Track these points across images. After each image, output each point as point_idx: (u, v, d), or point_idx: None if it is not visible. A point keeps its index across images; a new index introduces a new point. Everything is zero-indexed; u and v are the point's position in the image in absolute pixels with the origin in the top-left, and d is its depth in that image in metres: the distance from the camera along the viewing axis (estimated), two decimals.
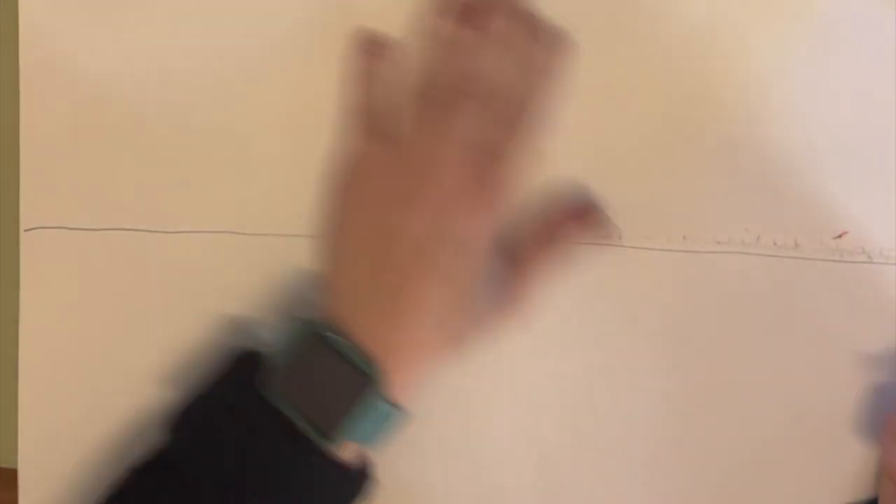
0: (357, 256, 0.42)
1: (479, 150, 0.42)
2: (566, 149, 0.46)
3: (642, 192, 0.47)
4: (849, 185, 0.46)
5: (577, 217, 0.45)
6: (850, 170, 0.46)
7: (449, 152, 0.42)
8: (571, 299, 0.47)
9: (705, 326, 0.47)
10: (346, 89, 0.46)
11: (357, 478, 0.42)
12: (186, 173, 0.47)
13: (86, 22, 0.47)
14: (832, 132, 0.46)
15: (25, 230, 0.47)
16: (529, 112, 0.44)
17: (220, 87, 0.47)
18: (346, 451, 0.41)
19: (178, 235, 0.47)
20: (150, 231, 0.47)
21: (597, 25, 0.46)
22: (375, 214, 0.42)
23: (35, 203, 0.47)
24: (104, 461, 0.48)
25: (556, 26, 0.44)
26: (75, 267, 0.47)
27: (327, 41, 0.47)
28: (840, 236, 0.46)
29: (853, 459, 0.47)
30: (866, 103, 0.46)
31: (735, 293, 0.47)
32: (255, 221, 0.47)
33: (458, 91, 0.42)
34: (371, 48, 0.45)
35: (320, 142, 0.47)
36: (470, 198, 0.41)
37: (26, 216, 0.47)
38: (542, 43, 0.44)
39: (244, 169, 0.47)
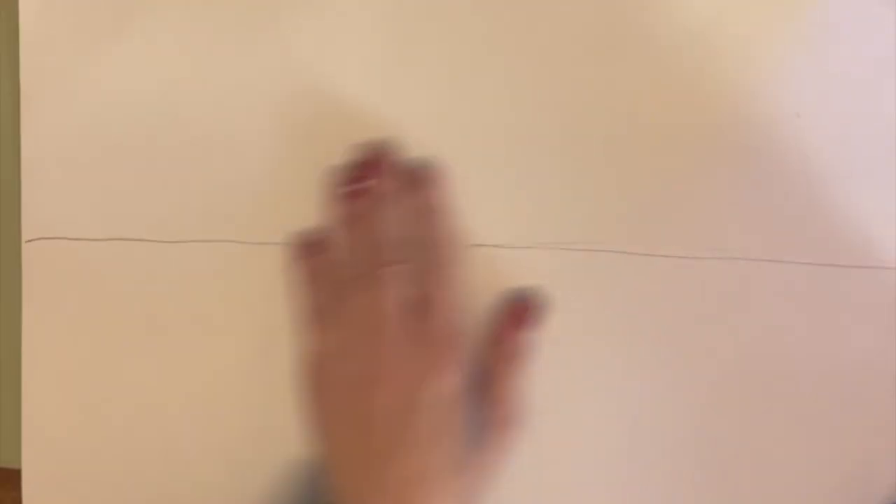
0: (344, 450, 0.43)
1: (417, 308, 0.43)
2: (568, 155, 0.46)
3: (643, 197, 0.47)
4: (851, 187, 0.46)
5: (518, 321, 0.46)
6: (852, 172, 0.46)
7: (390, 323, 0.42)
8: (573, 306, 0.47)
9: (708, 333, 0.47)
10: (293, 294, 0.47)
11: None
12: (188, 182, 0.47)
13: (86, 32, 0.47)
14: (833, 135, 0.46)
15: (27, 241, 0.47)
16: (445, 253, 0.45)
17: (221, 95, 0.47)
18: None
19: (179, 245, 0.47)
20: (152, 241, 0.47)
21: (599, 30, 0.46)
22: (346, 405, 0.43)
23: (36, 214, 0.47)
24: (106, 462, 0.49)
25: (424, 163, 0.46)
26: (77, 277, 0.48)
27: (326, 49, 0.46)
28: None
29: (858, 463, 0.47)
30: (867, 105, 0.46)
31: (738, 299, 0.47)
32: (258, 230, 0.48)
33: (374, 262, 0.44)
34: (306, 249, 0.47)
35: (322, 150, 0.47)
36: (427, 358, 0.42)
37: (27, 227, 0.47)
38: (424, 185, 0.46)
39: (246, 178, 0.47)
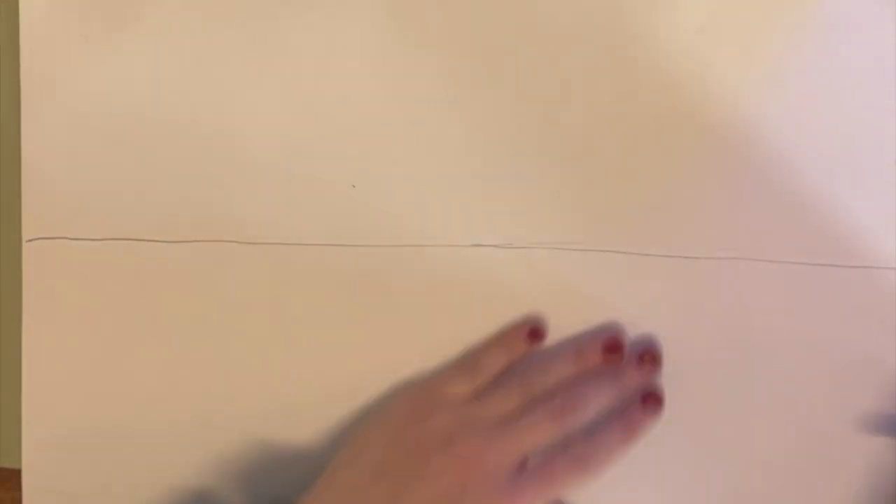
0: (369, 465, 0.43)
1: (534, 464, 0.43)
2: (568, 155, 0.46)
3: (643, 198, 0.47)
4: (850, 188, 0.46)
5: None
6: (851, 173, 0.46)
7: (508, 443, 0.43)
8: (573, 307, 0.47)
9: (707, 333, 0.47)
10: (480, 342, 0.47)
11: None
12: (187, 183, 0.47)
13: (86, 33, 0.47)
14: (833, 136, 0.46)
15: (27, 241, 0.47)
16: (605, 461, 0.45)
17: (220, 96, 0.47)
18: None
19: (179, 245, 0.47)
20: (152, 241, 0.47)
21: (600, 32, 0.46)
22: (413, 436, 0.43)
23: (37, 214, 0.47)
24: (105, 462, 0.48)
25: (660, 392, 0.46)
26: (77, 276, 0.48)
27: (328, 48, 0.46)
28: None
29: (856, 467, 0.47)
30: (867, 106, 0.46)
31: (737, 300, 0.47)
32: (256, 230, 0.48)
33: (567, 415, 0.44)
34: (530, 334, 0.47)
35: (321, 150, 0.47)
36: (498, 490, 0.42)
37: (28, 227, 0.47)
38: (638, 400, 0.46)
39: (245, 178, 0.47)
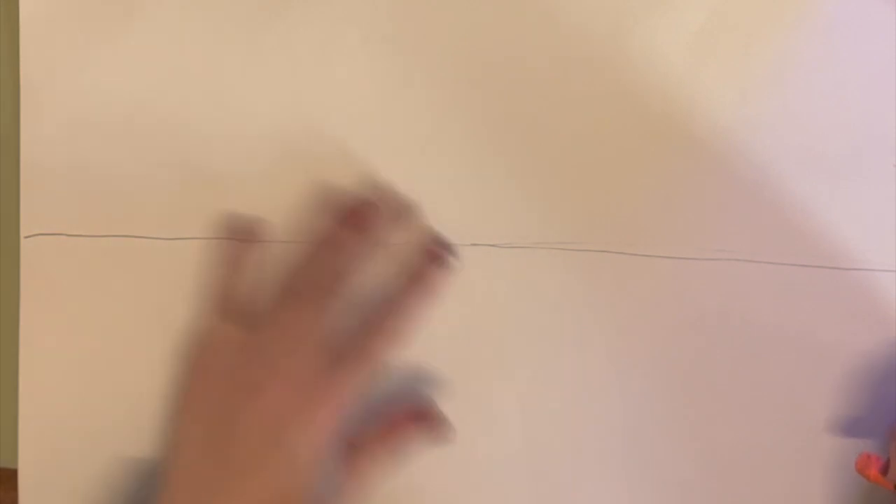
0: (195, 447, 0.42)
1: (332, 350, 0.42)
2: (567, 155, 0.46)
3: (643, 198, 0.47)
4: (850, 189, 0.46)
5: (417, 420, 0.46)
6: (851, 173, 0.46)
7: (302, 348, 0.42)
8: (568, 306, 0.47)
9: (702, 334, 0.47)
10: (209, 269, 0.46)
11: None
12: (186, 180, 0.47)
13: (86, 29, 0.47)
14: (833, 136, 0.46)
15: (25, 237, 0.47)
16: (396, 321, 0.44)
17: (219, 95, 0.47)
18: None
19: (177, 242, 0.47)
20: (150, 238, 0.47)
21: (599, 33, 0.46)
22: (217, 401, 0.42)
23: (35, 210, 0.47)
24: (103, 463, 0.48)
25: (442, 240, 0.46)
26: (75, 273, 0.48)
27: (328, 48, 0.47)
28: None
29: (849, 467, 0.47)
30: (867, 106, 0.46)
31: (737, 301, 0.47)
32: (255, 228, 0.47)
33: (324, 288, 0.43)
34: (240, 234, 0.46)
35: (320, 148, 0.47)
36: (314, 397, 0.41)
37: (26, 223, 0.47)
38: (425, 255, 0.45)
39: (243, 175, 0.47)
